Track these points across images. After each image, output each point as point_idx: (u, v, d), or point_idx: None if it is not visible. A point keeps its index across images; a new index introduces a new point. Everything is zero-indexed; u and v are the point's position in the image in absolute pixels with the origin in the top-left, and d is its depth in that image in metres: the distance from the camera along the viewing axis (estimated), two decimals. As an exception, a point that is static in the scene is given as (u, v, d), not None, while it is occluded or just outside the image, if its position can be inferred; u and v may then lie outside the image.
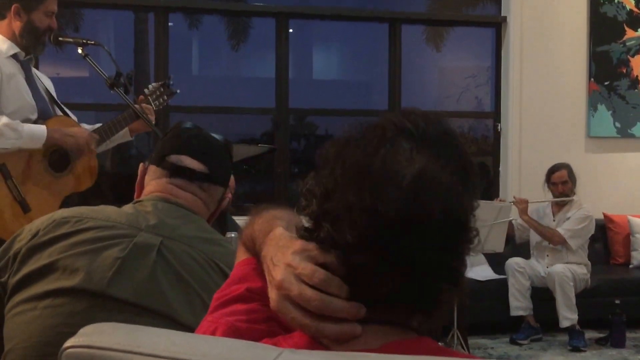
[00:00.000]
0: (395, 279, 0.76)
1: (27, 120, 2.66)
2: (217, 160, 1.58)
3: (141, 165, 1.61)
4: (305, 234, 0.82)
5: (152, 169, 1.57)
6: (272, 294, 0.81)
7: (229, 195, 1.65)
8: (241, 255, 0.99)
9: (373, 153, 0.77)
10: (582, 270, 4.90)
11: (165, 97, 3.08)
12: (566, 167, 5.00)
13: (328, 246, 0.78)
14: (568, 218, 4.94)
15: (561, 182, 4.97)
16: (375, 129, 0.80)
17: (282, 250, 0.83)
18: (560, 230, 4.89)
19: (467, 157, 0.81)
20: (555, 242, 4.91)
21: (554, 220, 5.02)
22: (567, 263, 4.88)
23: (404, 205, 0.74)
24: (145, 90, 3.03)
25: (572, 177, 4.99)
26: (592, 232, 5.01)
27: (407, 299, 0.78)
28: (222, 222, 3.17)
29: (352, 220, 0.75)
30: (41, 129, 2.63)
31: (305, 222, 0.81)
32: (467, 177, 0.79)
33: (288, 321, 0.80)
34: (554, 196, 5.02)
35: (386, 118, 0.81)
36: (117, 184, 5.85)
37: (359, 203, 0.75)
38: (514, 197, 5.07)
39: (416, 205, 0.74)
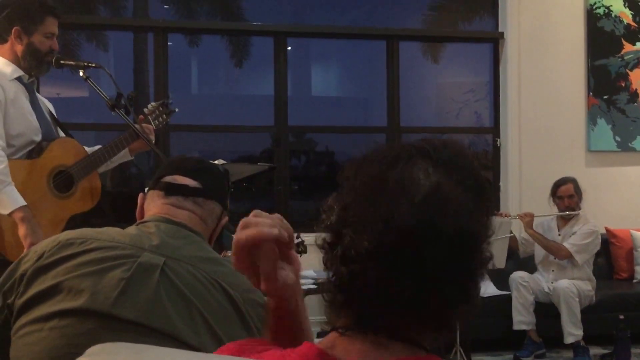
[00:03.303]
0: (407, 289, 0.77)
1: (31, 142, 2.67)
2: (209, 176, 1.62)
3: (140, 194, 1.65)
4: (325, 246, 0.84)
5: (150, 194, 1.60)
6: None
7: (226, 217, 1.67)
8: None
9: (389, 168, 0.81)
10: (587, 287, 4.87)
11: (164, 116, 3.10)
12: (572, 180, 4.99)
13: (347, 257, 0.80)
14: (574, 232, 4.91)
15: (567, 195, 4.95)
16: (392, 148, 0.85)
17: None
18: (566, 244, 4.86)
19: (482, 177, 0.84)
20: (561, 256, 4.88)
21: (559, 235, 4.99)
22: (572, 279, 4.85)
23: (417, 220, 0.77)
24: (145, 110, 3.05)
25: (578, 191, 4.97)
26: (599, 247, 4.98)
27: (419, 314, 0.79)
28: (219, 241, 3.16)
29: (370, 228, 0.78)
30: (16, 201, 2.49)
31: (326, 237, 0.84)
32: (481, 197, 0.83)
33: None
34: (560, 210, 4.99)
35: (403, 142, 0.86)
36: (117, 203, 5.84)
37: (375, 213, 0.78)
38: (518, 214, 5.02)
39: (428, 220, 0.77)
